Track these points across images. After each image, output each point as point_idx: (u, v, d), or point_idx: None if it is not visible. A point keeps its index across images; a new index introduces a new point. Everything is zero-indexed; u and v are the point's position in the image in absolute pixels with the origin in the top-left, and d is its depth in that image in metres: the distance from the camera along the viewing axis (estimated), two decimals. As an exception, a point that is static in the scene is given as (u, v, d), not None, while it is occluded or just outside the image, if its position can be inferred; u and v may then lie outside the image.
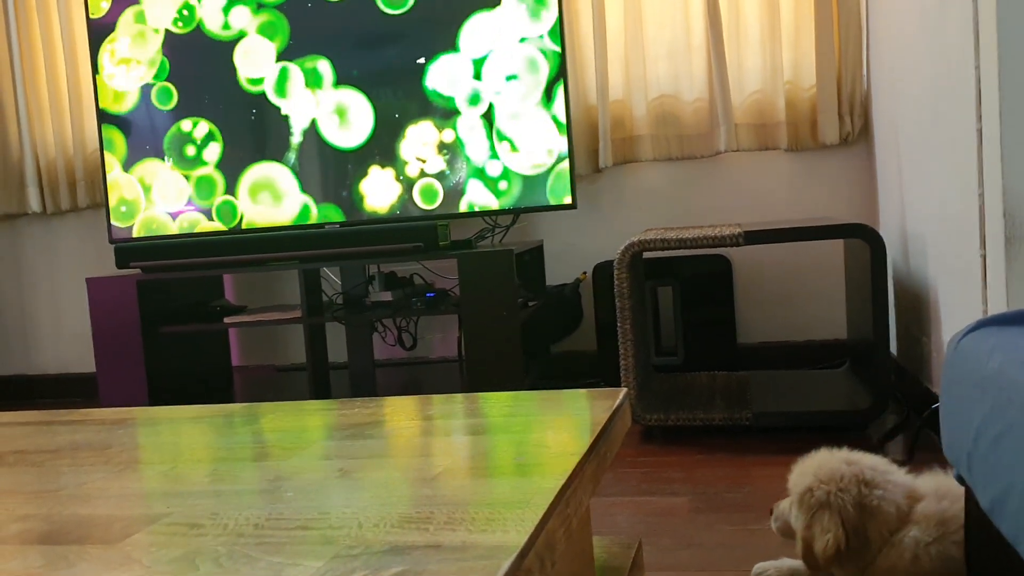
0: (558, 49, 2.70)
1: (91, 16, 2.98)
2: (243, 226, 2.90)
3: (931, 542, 1.18)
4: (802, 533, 1.26)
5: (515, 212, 2.79)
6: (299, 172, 2.86)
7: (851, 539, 1.21)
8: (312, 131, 2.84)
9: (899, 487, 1.24)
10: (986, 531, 1.02)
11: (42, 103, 3.42)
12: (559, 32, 2.70)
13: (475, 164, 2.75)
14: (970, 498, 1.10)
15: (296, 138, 2.85)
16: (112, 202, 3.00)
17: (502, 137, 2.73)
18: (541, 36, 2.70)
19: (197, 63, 2.91)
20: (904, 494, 1.23)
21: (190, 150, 2.92)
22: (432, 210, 2.79)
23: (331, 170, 2.84)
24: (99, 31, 2.98)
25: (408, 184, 2.79)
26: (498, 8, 2.71)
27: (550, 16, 2.69)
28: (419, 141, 2.78)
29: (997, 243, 1.56)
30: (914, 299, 2.31)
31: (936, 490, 1.23)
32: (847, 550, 1.21)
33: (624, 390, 1.17)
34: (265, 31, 2.85)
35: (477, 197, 2.75)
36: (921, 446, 2.04)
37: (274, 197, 2.88)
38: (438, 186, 2.77)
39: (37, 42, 3.40)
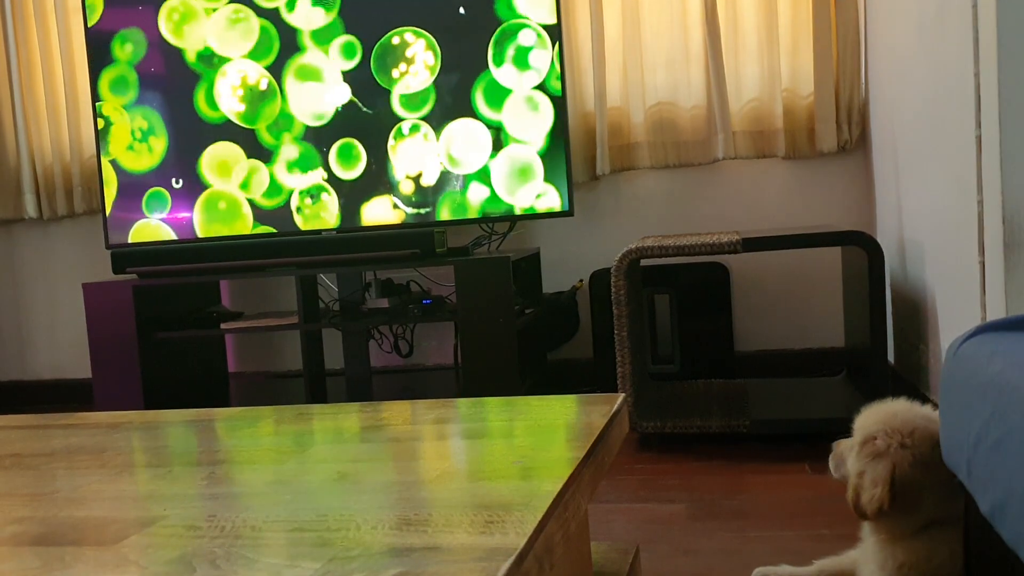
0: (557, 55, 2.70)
1: (89, 23, 2.98)
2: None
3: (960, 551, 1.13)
4: (854, 480, 1.18)
5: (512, 219, 2.78)
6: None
7: (899, 500, 1.14)
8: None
9: None
10: (986, 537, 1.01)
11: (39, 109, 3.42)
12: (558, 39, 2.70)
13: (470, 171, 2.74)
14: (970, 503, 1.10)
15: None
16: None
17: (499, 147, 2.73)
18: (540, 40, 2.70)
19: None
20: None
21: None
22: (428, 217, 2.78)
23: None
24: (97, 38, 2.98)
25: (403, 195, 2.79)
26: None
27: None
28: (414, 150, 2.78)
29: (996, 250, 1.56)
30: (912, 307, 2.31)
31: None
32: (892, 510, 1.14)
33: (622, 396, 1.17)
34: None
35: (474, 204, 2.75)
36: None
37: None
38: (432, 193, 2.77)
39: (35, 47, 3.40)
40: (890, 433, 1.16)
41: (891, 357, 2.58)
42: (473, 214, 2.76)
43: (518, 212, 2.74)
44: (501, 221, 2.82)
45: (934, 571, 1.14)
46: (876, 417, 1.20)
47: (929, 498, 1.15)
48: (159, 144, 2.95)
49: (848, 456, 1.23)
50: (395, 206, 2.79)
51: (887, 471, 1.14)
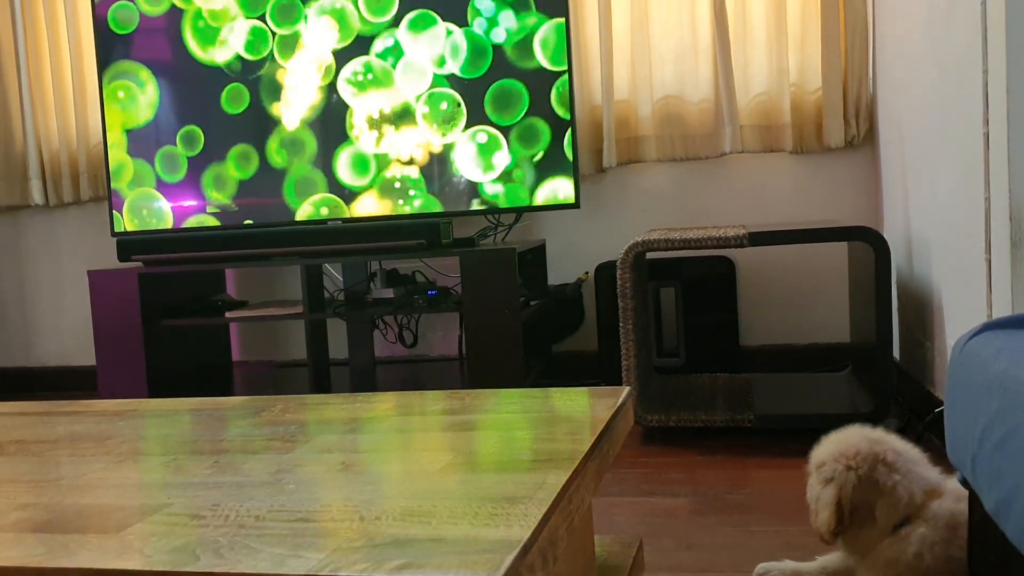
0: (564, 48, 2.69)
1: (96, 8, 2.98)
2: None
3: (938, 542, 1.16)
4: (812, 506, 1.26)
5: (518, 211, 2.78)
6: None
7: (847, 519, 1.21)
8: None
9: (921, 479, 1.22)
10: (990, 534, 1.01)
11: (46, 96, 3.42)
12: (565, 31, 2.69)
13: (478, 163, 2.74)
14: (974, 501, 1.10)
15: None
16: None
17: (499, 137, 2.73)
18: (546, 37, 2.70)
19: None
20: (924, 487, 1.21)
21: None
22: (434, 208, 2.78)
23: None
24: (104, 25, 2.98)
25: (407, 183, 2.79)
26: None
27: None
28: (421, 141, 2.77)
29: (1002, 247, 1.55)
30: (917, 303, 2.31)
31: (958, 491, 1.20)
32: (845, 528, 1.21)
33: (627, 389, 1.17)
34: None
35: (480, 195, 2.75)
36: (923, 450, 2.03)
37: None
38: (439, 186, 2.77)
39: (42, 34, 3.40)
40: (837, 458, 1.24)
41: (896, 353, 2.58)
42: (479, 205, 2.76)
43: (524, 204, 2.73)
44: (507, 212, 2.81)
45: (914, 560, 1.18)
46: (827, 446, 1.28)
47: (882, 508, 1.21)
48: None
49: (812, 483, 1.31)
50: (400, 196, 2.79)
51: (834, 496, 1.21)
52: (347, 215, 2.84)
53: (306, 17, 2.83)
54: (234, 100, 2.89)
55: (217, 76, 2.90)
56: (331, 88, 2.83)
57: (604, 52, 2.92)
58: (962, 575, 1.16)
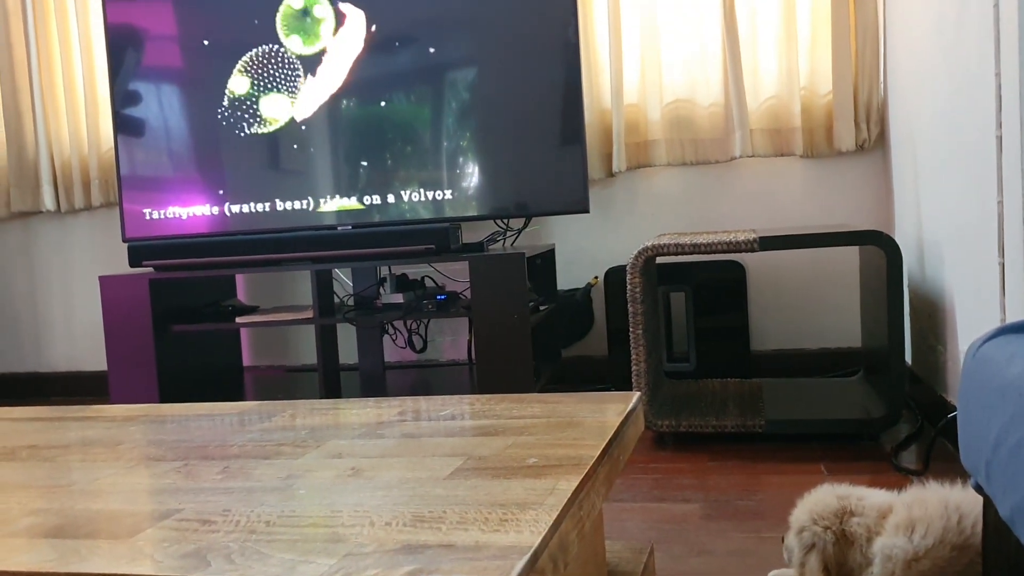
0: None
1: (108, 16, 2.99)
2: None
3: (897, 547, 1.19)
4: (797, 570, 1.31)
5: (527, 215, 2.78)
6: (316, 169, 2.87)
7: (840, 569, 1.26)
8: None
9: (873, 508, 1.26)
10: (1005, 540, 1.01)
11: (58, 102, 3.43)
12: (575, 35, 2.69)
13: (486, 164, 2.74)
14: (988, 507, 1.09)
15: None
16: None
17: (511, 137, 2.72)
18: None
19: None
20: (877, 513, 1.25)
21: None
22: (444, 212, 2.78)
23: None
24: (115, 31, 2.99)
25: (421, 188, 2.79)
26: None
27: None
28: (431, 143, 2.78)
29: (1015, 250, 1.54)
30: (930, 307, 2.30)
31: (910, 500, 1.23)
32: None
33: (637, 394, 1.16)
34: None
35: (488, 200, 2.75)
36: (936, 455, 2.02)
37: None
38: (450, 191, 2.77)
39: (53, 41, 3.42)
40: (816, 520, 1.29)
41: (908, 358, 2.57)
42: (488, 210, 2.76)
43: (533, 208, 2.73)
44: (517, 217, 2.81)
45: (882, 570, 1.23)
46: (803, 508, 1.32)
47: (850, 560, 1.26)
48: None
49: (791, 545, 1.35)
50: (411, 200, 2.79)
51: (819, 561, 1.27)
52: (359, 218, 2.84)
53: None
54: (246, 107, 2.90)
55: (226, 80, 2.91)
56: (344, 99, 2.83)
57: (613, 56, 2.92)
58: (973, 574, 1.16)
